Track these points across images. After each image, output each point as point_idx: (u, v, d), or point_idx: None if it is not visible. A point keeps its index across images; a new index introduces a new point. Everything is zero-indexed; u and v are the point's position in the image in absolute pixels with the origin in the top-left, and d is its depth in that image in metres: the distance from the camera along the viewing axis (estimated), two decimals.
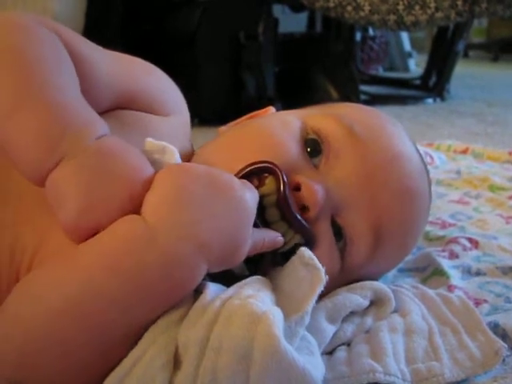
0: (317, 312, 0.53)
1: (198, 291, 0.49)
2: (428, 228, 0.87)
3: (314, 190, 0.55)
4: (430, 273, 0.73)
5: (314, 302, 0.49)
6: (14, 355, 0.44)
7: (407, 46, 3.86)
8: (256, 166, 0.55)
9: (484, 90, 2.85)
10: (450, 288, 0.67)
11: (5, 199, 0.52)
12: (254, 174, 0.54)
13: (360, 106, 0.71)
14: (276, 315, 0.45)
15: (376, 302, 0.61)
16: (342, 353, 0.55)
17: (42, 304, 0.44)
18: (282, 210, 0.54)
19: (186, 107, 0.67)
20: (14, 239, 0.51)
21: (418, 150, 0.66)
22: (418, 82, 2.75)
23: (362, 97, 2.34)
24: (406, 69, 3.79)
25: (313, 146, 0.59)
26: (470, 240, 0.81)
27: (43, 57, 0.50)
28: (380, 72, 3.58)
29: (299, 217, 0.54)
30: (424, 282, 0.72)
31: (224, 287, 0.50)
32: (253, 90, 2.04)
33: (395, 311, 0.61)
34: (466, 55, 4.40)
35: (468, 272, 0.73)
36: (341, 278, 0.59)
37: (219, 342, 0.44)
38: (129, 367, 0.45)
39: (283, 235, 0.54)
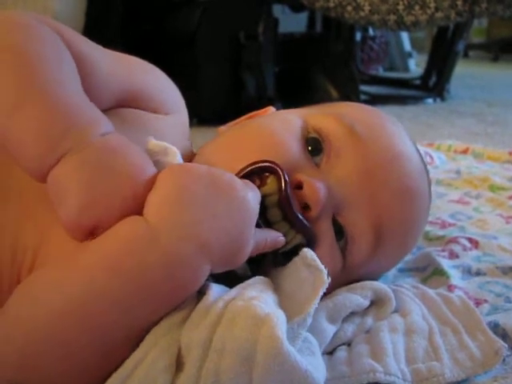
0: (317, 312, 0.53)
1: (201, 292, 0.48)
2: (428, 228, 0.87)
3: (315, 188, 0.55)
4: (430, 273, 0.73)
5: (316, 304, 0.49)
6: (15, 357, 0.44)
7: (407, 46, 3.86)
8: (257, 165, 0.55)
9: (484, 90, 2.85)
10: (450, 288, 0.67)
11: (5, 198, 0.52)
12: (256, 174, 0.54)
13: (361, 106, 0.71)
14: (279, 317, 0.45)
15: (376, 302, 0.61)
16: (342, 353, 0.55)
17: (43, 305, 0.44)
18: (284, 210, 0.54)
19: (184, 107, 0.67)
20: (15, 239, 0.51)
21: (418, 150, 0.66)
22: (418, 82, 2.75)
23: (362, 97, 2.34)
24: (406, 69, 3.79)
25: (314, 145, 0.59)
26: (470, 240, 0.81)
27: (45, 55, 0.49)
28: (380, 72, 3.58)
29: (301, 217, 0.54)
30: (424, 281, 0.72)
31: (227, 288, 0.50)
32: (253, 90, 2.04)
33: (395, 311, 0.61)
34: (466, 55, 4.41)
35: (468, 272, 0.73)
36: (342, 277, 0.59)
37: (222, 343, 0.44)
38: (131, 369, 0.45)
39: (285, 235, 0.54)
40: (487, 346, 0.55)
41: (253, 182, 0.53)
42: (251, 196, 0.50)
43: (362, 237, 0.59)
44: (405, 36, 3.82)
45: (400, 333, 0.57)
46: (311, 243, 0.55)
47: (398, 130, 0.65)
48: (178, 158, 0.52)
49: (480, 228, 0.89)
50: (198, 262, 0.46)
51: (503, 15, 2.10)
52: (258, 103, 0.73)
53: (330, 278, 0.51)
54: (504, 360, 0.55)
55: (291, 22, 2.67)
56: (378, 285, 0.61)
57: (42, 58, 0.49)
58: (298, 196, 0.55)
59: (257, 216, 0.50)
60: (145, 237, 0.45)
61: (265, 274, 0.54)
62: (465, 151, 1.40)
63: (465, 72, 3.22)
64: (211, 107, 1.97)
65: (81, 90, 0.50)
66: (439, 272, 0.72)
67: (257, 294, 0.48)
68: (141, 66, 0.64)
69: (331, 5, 2.04)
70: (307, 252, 0.53)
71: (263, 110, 0.71)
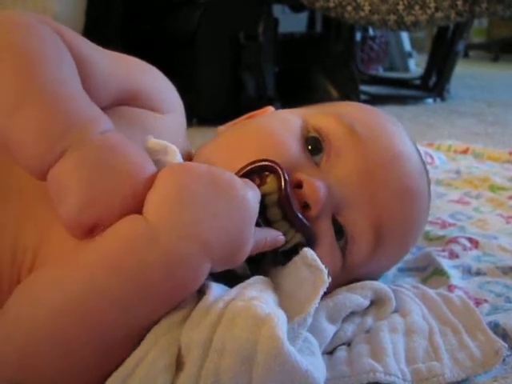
0: (317, 312, 0.53)
1: (201, 291, 0.48)
2: (428, 228, 0.87)
3: (315, 187, 0.55)
4: (430, 272, 0.73)
5: (316, 303, 0.49)
6: (15, 357, 0.44)
7: (407, 46, 3.86)
8: (257, 164, 0.55)
9: (484, 90, 2.85)
10: (450, 288, 0.67)
11: (5, 198, 0.52)
12: (255, 173, 0.54)
13: (360, 105, 0.71)
14: (280, 318, 0.45)
15: (376, 302, 0.61)
16: (342, 352, 0.55)
17: (43, 305, 0.44)
18: (284, 209, 0.54)
19: (182, 107, 0.67)
20: (15, 239, 0.51)
21: (417, 150, 0.67)
22: (418, 82, 2.75)
23: (362, 97, 2.34)
24: (406, 69, 3.79)
25: (314, 144, 0.59)
26: (470, 240, 0.81)
27: (45, 54, 0.49)
28: (380, 72, 3.58)
29: (301, 216, 0.54)
30: (424, 281, 0.72)
31: (227, 287, 0.50)
32: (252, 90, 2.04)
33: (395, 311, 0.61)
34: (466, 55, 4.41)
35: (468, 272, 0.73)
36: (342, 277, 0.59)
37: (222, 343, 0.44)
38: (131, 368, 0.45)
39: (284, 234, 0.54)
40: (487, 345, 0.55)
41: (252, 181, 0.53)
42: (251, 195, 0.50)
43: (361, 236, 0.59)
44: (405, 36, 3.82)
45: (400, 333, 0.57)
46: (311, 242, 0.55)
47: (397, 129, 0.65)
48: (177, 157, 0.52)
49: (480, 228, 0.89)
50: (198, 261, 0.46)
51: (503, 15, 2.10)
52: (258, 103, 0.73)
53: (330, 278, 0.51)
54: (504, 360, 0.54)
55: (291, 22, 2.67)
56: (378, 285, 0.61)
57: (42, 58, 0.49)
58: (298, 195, 0.55)
59: (256, 215, 0.50)
60: (144, 236, 0.45)
61: (264, 273, 0.53)
62: (465, 151, 1.40)
63: (465, 72, 3.22)
64: (211, 107, 1.97)
65: (81, 88, 0.50)
66: (439, 272, 0.72)
67: (257, 294, 0.48)
68: (139, 66, 0.64)
69: (331, 5, 2.04)
70: (307, 252, 0.53)
71: (262, 109, 0.71)
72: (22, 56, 0.48)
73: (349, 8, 2.02)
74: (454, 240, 0.81)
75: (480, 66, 4.14)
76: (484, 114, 2.11)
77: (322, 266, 0.51)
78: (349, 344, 0.57)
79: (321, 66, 2.32)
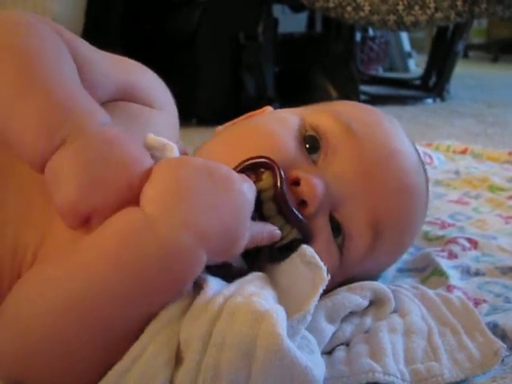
0: (316, 312, 0.53)
1: (199, 285, 0.49)
2: (427, 228, 0.87)
3: (313, 183, 0.55)
4: (430, 273, 0.73)
5: (316, 301, 0.50)
6: (15, 356, 0.44)
7: (407, 46, 3.86)
8: (253, 161, 0.55)
9: (484, 90, 2.85)
10: (449, 288, 0.67)
11: (4, 197, 0.52)
12: (251, 170, 0.55)
13: (357, 104, 0.71)
14: (279, 313, 0.46)
15: (375, 302, 0.61)
16: (341, 353, 0.55)
17: (42, 303, 0.44)
18: (279, 204, 0.54)
19: (175, 109, 0.67)
20: (16, 237, 0.51)
21: (415, 147, 0.67)
22: (417, 82, 2.75)
23: (362, 97, 2.34)
24: (406, 69, 3.79)
25: (311, 143, 0.60)
26: (470, 240, 0.81)
27: (45, 53, 0.50)
28: (380, 72, 3.58)
29: (296, 211, 0.54)
30: (423, 282, 0.72)
31: (224, 282, 0.50)
32: (252, 91, 2.04)
33: (395, 311, 0.61)
34: (465, 56, 4.40)
35: (467, 272, 0.73)
36: (339, 274, 0.60)
37: (222, 338, 0.44)
38: (130, 363, 0.45)
39: (280, 229, 0.54)
40: (486, 346, 0.55)
41: (248, 177, 0.53)
42: (247, 188, 0.50)
43: (359, 233, 0.59)
44: (404, 36, 3.82)
45: (399, 333, 0.57)
46: (307, 239, 0.55)
47: (394, 127, 0.66)
48: (175, 154, 0.53)
49: (479, 228, 0.89)
50: (195, 251, 0.46)
51: (503, 16, 2.10)
52: (258, 103, 0.73)
53: (329, 275, 0.51)
54: (503, 360, 0.55)
55: (291, 22, 2.67)
56: (378, 285, 0.61)
57: (41, 56, 0.50)
58: (295, 192, 0.55)
59: (252, 208, 0.50)
60: (141, 228, 0.45)
61: (261, 269, 0.54)
62: (464, 151, 1.40)
63: (464, 72, 3.22)
64: (211, 107, 1.97)
65: (80, 84, 0.51)
66: (438, 272, 0.72)
67: (257, 290, 0.48)
68: (134, 66, 0.65)
69: (331, 5, 2.04)
70: (306, 249, 0.53)
71: (261, 109, 0.71)
72: (22, 55, 0.49)
73: (349, 8, 2.03)
74: (454, 240, 0.81)
75: (480, 67, 4.14)
76: (484, 115, 2.11)
77: (321, 264, 0.52)
78: (347, 344, 0.57)
79: (320, 66, 2.32)
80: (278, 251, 0.55)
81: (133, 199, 0.47)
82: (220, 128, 0.70)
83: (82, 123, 0.47)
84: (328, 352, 0.56)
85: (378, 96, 2.51)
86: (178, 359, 0.46)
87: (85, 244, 0.46)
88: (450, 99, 2.51)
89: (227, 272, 0.51)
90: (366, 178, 0.59)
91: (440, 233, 0.86)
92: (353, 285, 0.60)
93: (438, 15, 1.96)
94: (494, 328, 0.58)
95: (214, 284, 0.49)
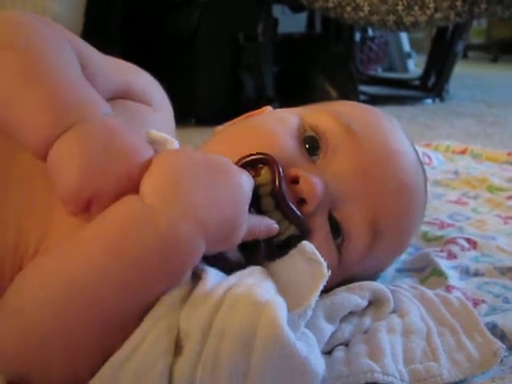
0: (315, 311, 0.53)
1: (197, 276, 0.49)
2: (426, 228, 0.87)
3: (312, 182, 0.55)
4: (429, 273, 0.73)
5: (317, 296, 0.50)
6: (16, 349, 0.44)
7: (406, 46, 3.86)
8: (252, 157, 0.56)
9: (483, 90, 2.85)
10: (448, 288, 0.67)
11: (6, 190, 0.53)
12: (250, 166, 0.55)
13: (357, 104, 0.71)
14: (280, 304, 0.46)
15: (374, 303, 0.61)
16: (340, 353, 0.55)
17: (43, 295, 0.44)
18: (277, 199, 0.54)
19: (171, 111, 0.68)
20: (18, 231, 0.52)
21: (414, 147, 0.67)
22: (417, 82, 2.76)
23: (361, 97, 2.34)
24: (405, 69, 3.79)
25: (311, 143, 0.60)
26: (469, 240, 0.81)
27: (46, 48, 0.51)
28: (379, 72, 3.58)
29: (293, 206, 0.55)
30: (422, 282, 0.72)
31: (223, 274, 0.50)
32: (252, 91, 2.04)
33: (394, 311, 0.61)
34: (465, 56, 4.40)
35: (466, 272, 0.73)
36: (338, 274, 0.60)
37: (222, 328, 0.45)
38: (130, 351, 0.45)
39: (278, 224, 0.54)
40: (485, 346, 0.55)
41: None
42: (244, 179, 0.51)
43: (358, 233, 0.59)
44: (404, 36, 3.82)
45: (398, 333, 0.57)
46: (305, 235, 0.56)
47: (393, 127, 0.66)
48: (176, 148, 0.54)
49: (478, 228, 0.89)
50: (194, 239, 0.46)
51: (502, 16, 2.10)
52: (257, 103, 0.73)
53: (330, 271, 0.51)
54: (502, 361, 0.54)
55: (290, 23, 2.67)
56: (377, 285, 0.61)
57: (43, 52, 0.51)
58: (294, 190, 0.55)
59: (250, 199, 0.51)
60: (141, 218, 0.46)
61: (259, 264, 0.54)
62: (463, 152, 1.40)
63: (464, 73, 3.23)
64: (210, 107, 1.98)
65: (82, 76, 0.52)
66: (437, 273, 0.72)
67: (257, 282, 0.49)
68: (132, 68, 0.66)
69: (330, 5, 2.04)
70: (306, 245, 0.53)
71: (260, 109, 0.72)
72: (23, 53, 0.50)
73: (348, 8, 2.03)
74: (453, 241, 0.81)
75: (479, 67, 4.15)
76: (483, 115, 2.11)
77: (322, 259, 0.52)
78: (346, 344, 0.57)
79: (320, 66, 2.33)
80: (276, 249, 0.55)
81: (132, 189, 0.47)
82: (219, 128, 0.70)
83: (85, 113, 0.48)
84: (327, 352, 0.56)
85: (377, 96, 2.51)
86: (177, 348, 0.46)
87: (85, 234, 0.47)
88: (450, 99, 2.51)
89: (225, 265, 0.52)
90: (365, 178, 0.59)
91: (439, 233, 0.86)
92: (352, 285, 0.60)
93: (438, 15, 1.96)
94: (493, 328, 0.58)
95: (212, 275, 0.49)
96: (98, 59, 0.58)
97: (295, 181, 0.56)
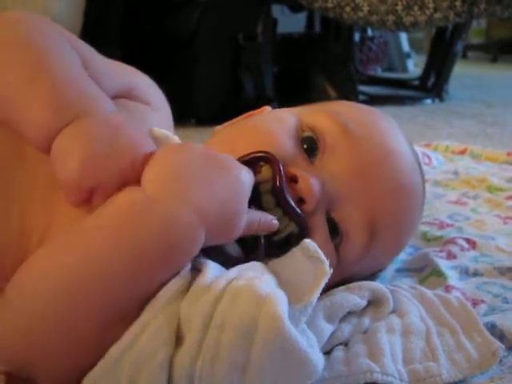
0: (315, 311, 0.53)
1: (197, 269, 0.49)
2: (426, 228, 0.87)
3: (310, 181, 0.56)
4: (428, 273, 0.73)
5: (318, 293, 0.50)
6: (19, 343, 0.45)
7: (406, 46, 3.86)
8: (252, 155, 0.56)
9: (483, 90, 2.85)
10: (448, 288, 0.68)
11: (9, 184, 0.53)
12: (250, 164, 0.55)
13: (355, 104, 0.72)
14: (281, 297, 0.46)
15: (374, 303, 0.61)
16: (339, 352, 0.56)
17: (45, 289, 0.45)
18: (277, 196, 0.55)
19: (170, 113, 0.68)
20: (21, 222, 0.52)
21: (412, 147, 0.67)
22: (416, 82, 2.76)
23: (361, 97, 2.34)
24: (405, 69, 3.79)
25: (309, 144, 0.60)
26: (468, 240, 0.81)
27: (48, 45, 0.52)
28: (378, 72, 3.58)
29: (293, 204, 0.55)
30: (422, 282, 0.72)
31: (223, 268, 0.51)
32: (251, 91, 2.04)
33: (393, 312, 0.61)
34: (464, 56, 4.40)
35: (465, 272, 0.73)
36: (337, 274, 0.59)
37: (223, 320, 0.45)
38: (130, 341, 0.45)
39: (278, 221, 0.55)
40: (484, 346, 0.55)
41: None
42: (244, 174, 0.52)
43: (356, 233, 0.59)
44: (403, 36, 3.82)
45: (397, 333, 0.57)
46: (305, 232, 0.56)
47: (391, 127, 0.66)
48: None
49: (478, 229, 0.89)
50: (195, 227, 0.47)
51: (502, 16, 2.10)
52: (257, 103, 0.74)
53: (331, 269, 0.51)
54: (501, 361, 0.55)
55: (290, 23, 2.67)
56: (376, 285, 0.62)
57: (45, 49, 0.51)
58: (293, 189, 0.56)
59: (249, 193, 0.51)
60: (142, 207, 0.46)
61: (259, 261, 0.54)
62: (462, 152, 1.40)
63: (463, 73, 3.23)
64: (210, 107, 1.97)
65: (85, 73, 0.52)
66: (437, 273, 0.72)
67: (257, 275, 0.49)
68: (131, 70, 0.66)
69: (330, 5, 2.04)
70: (309, 243, 0.53)
71: (259, 109, 0.72)
72: (24, 52, 0.51)
73: (347, 8, 2.03)
74: (452, 241, 0.81)
75: (478, 67, 4.15)
76: (483, 115, 2.11)
77: (324, 257, 0.52)
78: (346, 344, 0.57)
79: (319, 66, 2.33)
80: (276, 247, 0.55)
81: (134, 181, 0.48)
82: (219, 128, 0.70)
83: (89, 107, 0.49)
84: (327, 352, 0.56)
85: (376, 96, 2.51)
86: (177, 339, 0.46)
87: (85, 225, 0.47)
88: (449, 99, 2.51)
89: (225, 259, 0.52)
90: (362, 178, 0.59)
91: (438, 233, 0.86)
92: (351, 285, 0.61)
93: (437, 15, 1.96)
94: (492, 328, 0.58)
95: (212, 268, 0.49)
96: (98, 61, 0.58)
97: (294, 180, 0.56)
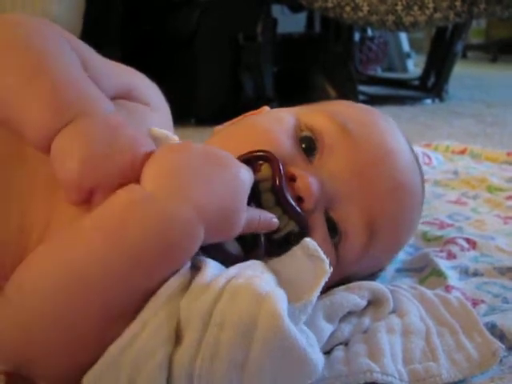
0: (315, 311, 0.53)
1: (196, 267, 0.49)
2: (426, 228, 0.87)
3: (308, 180, 0.56)
4: (428, 273, 0.73)
5: (318, 292, 0.50)
6: (18, 341, 0.45)
7: (406, 46, 3.86)
8: (252, 154, 0.56)
9: (483, 90, 2.85)
10: (448, 288, 0.68)
11: (9, 182, 0.53)
12: (249, 162, 0.56)
13: (353, 104, 0.72)
14: (280, 296, 0.46)
15: (374, 302, 0.61)
16: (339, 352, 0.56)
17: (44, 287, 0.45)
18: (277, 194, 0.55)
19: (169, 113, 0.68)
20: (21, 219, 0.53)
21: (410, 146, 0.67)
22: (416, 82, 2.76)
23: (361, 97, 2.34)
24: (405, 69, 3.79)
25: (308, 143, 0.60)
26: (468, 240, 0.81)
27: (47, 47, 0.52)
28: (378, 72, 3.58)
29: (293, 202, 0.55)
30: (422, 282, 0.72)
31: (223, 266, 0.51)
32: (251, 91, 2.04)
33: (393, 311, 0.61)
34: (464, 56, 4.40)
35: (465, 272, 0.73)
36: (336, 273, 0.59)
37: (222, 318, 0.45)
38: (130, 339, 0.45)
39: (277, 220, 0.55)
40: (484, 346, 0.55)
41: None
42: (244, 172, 0.52)
43: (355, 232, 0.60)
44: (403, 36, 3.82)
45: (397, 333, 0.57)
46: (305, 231, 0.56)
47: (390, 126, 0.66)
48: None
49: (478, 228, 0.89)
50: (194, 224, 0.47)
51: (502, 16, 2.10)
52: (257, 103, 0.74)
53: (331, 268, 0.51)
54: (501, 361, 0.55)
55: (290, 23, 2.67)
56: (376, 285, 0.62)
57: (45, 50, 0.52)
58: (292, 188, 0.56)
59: (249, 191, 0.52)
60: (142, 205, 0.47)
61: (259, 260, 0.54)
62: (462, 152, 1.41)
63: (463, 73, 3.23)
64: (210, 107, 1.98)
65: (84, 75, 0.53)
66: (437, 273, 0.72)
67: (257, 274, 0.49)
68: (130, 71, 0.66)
69: (330, 5, 2.04)
70: (309, 242, 0.53)
71: (259, 109, 0.72)
72: (23, 54, 0.51)
73: (347, 8, 2.03)
74: (452, 241, 0.81)
75: (478, 67, 4.15)
76: (483, 115, 2.11)
77: (324, 256, 0.52)
78: (346, 344, 0.57)
79: (319, 66, 2.33)
80: (276, 246, 0.55)
81: (134, 181, 0.48)
82: (218, 127, 0.71)
83: (88, 108, 0.49)
84: (327, 352, 0.56)
85: (376, 96, 2.51)
86: (177, 337, 0.46)
87: (85, 224, 0.47)
88: (449, 99, 2.51)
89: (224, 257, 0.52)
90: (361, 178, 0.59)
91: (438, 233, 0.86)
92: (351, 284, 0.61)
93: (437, 15, 1.96)
94: (492, 328, 0.58)
95: (212, 266, 0.49)
96: (97, 61, 0.58)
97: (292, 179, 0.56)
